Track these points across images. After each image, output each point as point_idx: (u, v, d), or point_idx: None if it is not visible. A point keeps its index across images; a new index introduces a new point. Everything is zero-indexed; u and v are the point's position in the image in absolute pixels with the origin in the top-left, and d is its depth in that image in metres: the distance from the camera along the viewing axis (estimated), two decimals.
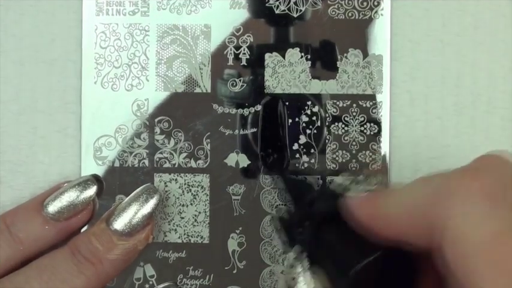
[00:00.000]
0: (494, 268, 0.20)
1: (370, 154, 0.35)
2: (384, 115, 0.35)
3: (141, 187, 0.33)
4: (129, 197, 0.33)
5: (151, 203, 0.33)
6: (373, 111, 0.35)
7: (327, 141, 0.35)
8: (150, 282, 0.35)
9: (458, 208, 0.22)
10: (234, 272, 0.35)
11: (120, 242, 0.32)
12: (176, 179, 0.35)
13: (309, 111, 0.35)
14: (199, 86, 0.35)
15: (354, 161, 0.35)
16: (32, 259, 0.32)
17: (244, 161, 0.35)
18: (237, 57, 0.35)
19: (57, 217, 0.33)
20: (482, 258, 0.20)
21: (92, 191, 0.33)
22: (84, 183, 0.33)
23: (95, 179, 0.34)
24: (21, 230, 0.33)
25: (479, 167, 0.23)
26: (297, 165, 0.35)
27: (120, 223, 0.32)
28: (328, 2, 0.35)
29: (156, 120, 0.36)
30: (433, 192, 0.23)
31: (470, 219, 0.21)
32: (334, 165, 0.35)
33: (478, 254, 0.21)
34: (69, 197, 0.33)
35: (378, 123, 0.35)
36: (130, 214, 0.33)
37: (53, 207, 0.33)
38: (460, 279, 0.21)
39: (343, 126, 0.35)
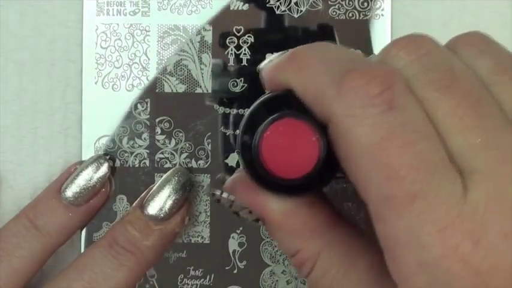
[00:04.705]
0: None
1: None
2: None
3: (171, 170, 0.34)
4: (160, 180, 0.33)
5: (183, 185, 0.33)
6: None
7: None
8: (151, 283, 0.35)
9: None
10: (235, 272, 0.35)
11: (157, 227, 0.32)
12: None
13: None
14: (200, 86, 0.35)
15: None
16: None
17: None
18: (237, 58, 0.35)
19: (77, 201, 0.33)
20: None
21: (105, 167, 0.33)
22: (96, 162, 0.33)
23: (106, 156, 0.34)
24: (47, 222, 0.32)
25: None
26: None
27: (154, 208, 0.32)
28: (329, 2, 0.35)
29: (156, 120, 0.36)
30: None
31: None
32: None
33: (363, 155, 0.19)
34: (85, 178, 0.33)
35: None
36: (163, 198, 0.32)
37: (71, 192, 0.33)
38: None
39: None
